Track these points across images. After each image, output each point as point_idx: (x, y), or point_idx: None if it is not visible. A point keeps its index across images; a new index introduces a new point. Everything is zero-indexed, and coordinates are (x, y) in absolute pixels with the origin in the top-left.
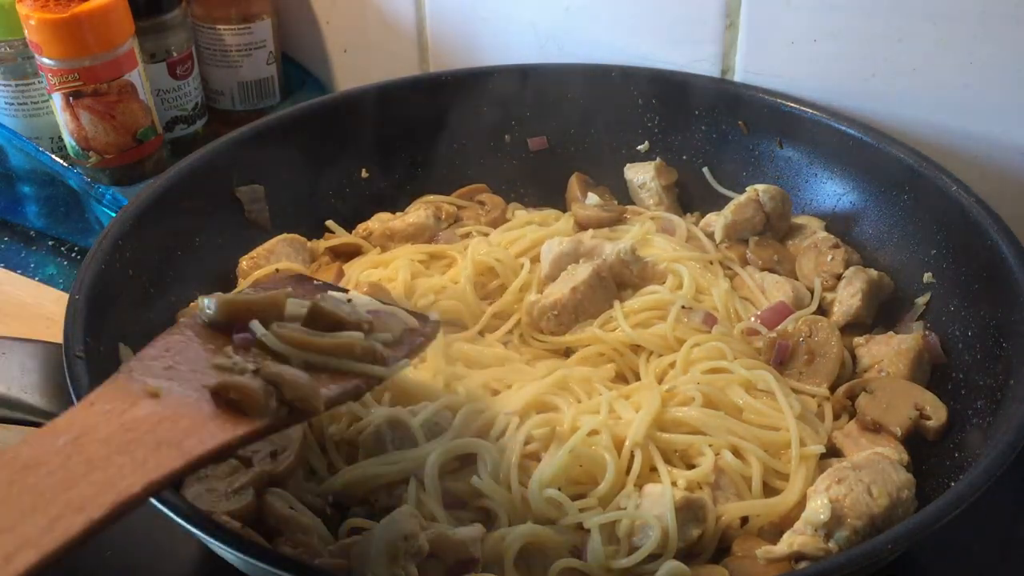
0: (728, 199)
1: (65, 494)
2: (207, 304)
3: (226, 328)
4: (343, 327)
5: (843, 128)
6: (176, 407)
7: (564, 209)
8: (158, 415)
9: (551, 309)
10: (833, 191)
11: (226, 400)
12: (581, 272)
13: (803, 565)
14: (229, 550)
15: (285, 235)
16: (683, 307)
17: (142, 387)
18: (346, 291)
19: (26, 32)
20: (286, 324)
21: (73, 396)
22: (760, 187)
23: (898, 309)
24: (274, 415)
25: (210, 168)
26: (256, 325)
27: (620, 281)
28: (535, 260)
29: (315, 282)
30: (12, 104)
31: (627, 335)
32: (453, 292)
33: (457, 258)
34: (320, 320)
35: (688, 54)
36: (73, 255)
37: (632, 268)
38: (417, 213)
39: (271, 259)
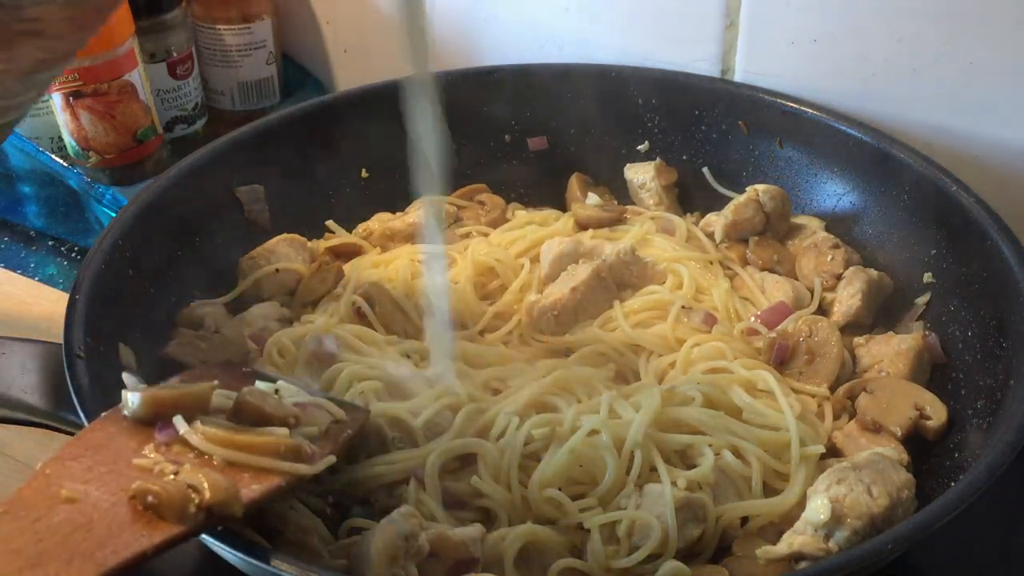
0: (728, 199)
1: None
2: (131, 400)
3: (151, 422)
4: (269, 421)
5: (843, 128)
6: (92, 513)
7: (564, 209)
8: (72, 523)
9: (551, 309)
10: (833, 191)
11: (144, 504)
12: (581, 272)
13: (803, 565)
14: (229, 550)
15: (285, 235)
16: (683, 307)
17: (58, 492)
18: (274, 380)
19: None
20: (210, 418)
21: (73, 396)
22: (760, 187)
23: (898, 309)
24: (192, 520)
25: (210, 168)
26: (179, 421)
27: (620, 281)
28: (535, 260)
29: (244, 370)
30: None
31: (627, 335)
32: (453, 292)
33: (457, 258)
34: (245, 414)
35: (688, 54)
36: (73, 255)
37: (632, 268)
38: (417, 213)
39: (271, 259)
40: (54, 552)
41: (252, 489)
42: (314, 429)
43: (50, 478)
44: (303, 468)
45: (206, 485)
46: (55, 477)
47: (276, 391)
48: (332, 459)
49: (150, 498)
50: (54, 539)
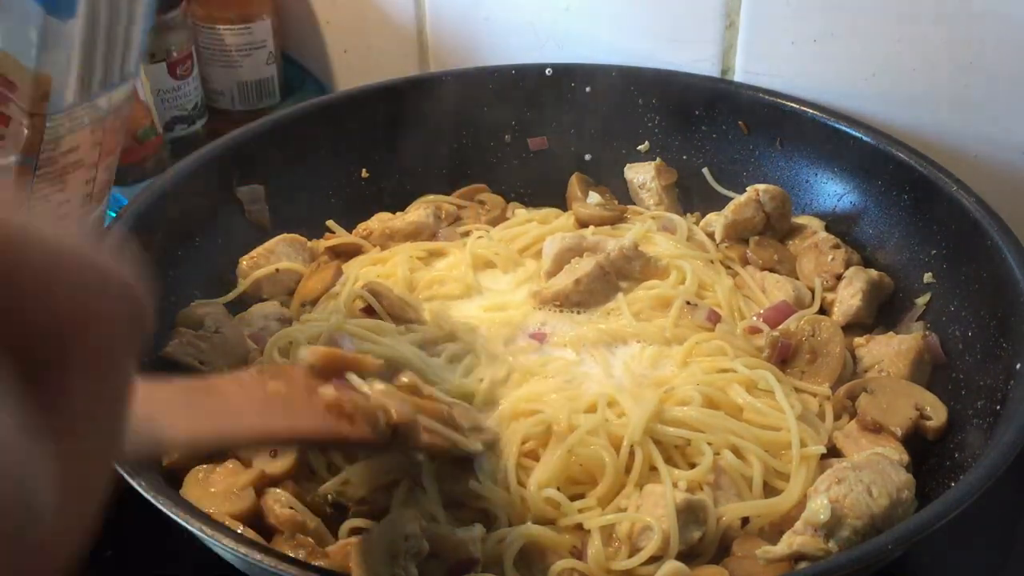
0: (728, 199)
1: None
2: (309, 352)
3: (324, 376)
4: (424, 410)
5: (843, 128)
6: (293, 400)
7: (564, 209)
8: (283, 397)
9: (553, 300)
10: (833, 191)
11: (338, 413)
12: (584, 264)
13: (803, 565)
14: (229, 550)
15: (285, 235)
16: (687, 303)
17: (264, 381)
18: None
19: None
20: (377, 382)
21: None
22: (760, 187)
23: (898, 309)
24: (382, 434)
25: (210, 168)
26: (353, 377)
27: (622, 276)
28: (536, 256)
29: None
30: None
31: (633, 326)
32: (453, 278)
33: (455, 251)
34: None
35: (688, 54)
36: None
37: (635, 263)
38: (417, 212)
39: (271, 259)
40: (272, 403)
41: (426, 435)
42: (465, 424)
43: (253, 376)
44: (465, 441)
45: (393, 408)
46: (258, 377)
47: None
48: (480, 447)
49: (347, 406)
50: (271, 400)
